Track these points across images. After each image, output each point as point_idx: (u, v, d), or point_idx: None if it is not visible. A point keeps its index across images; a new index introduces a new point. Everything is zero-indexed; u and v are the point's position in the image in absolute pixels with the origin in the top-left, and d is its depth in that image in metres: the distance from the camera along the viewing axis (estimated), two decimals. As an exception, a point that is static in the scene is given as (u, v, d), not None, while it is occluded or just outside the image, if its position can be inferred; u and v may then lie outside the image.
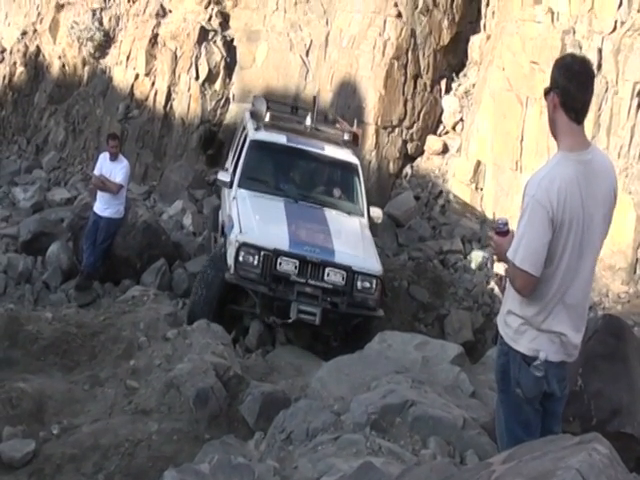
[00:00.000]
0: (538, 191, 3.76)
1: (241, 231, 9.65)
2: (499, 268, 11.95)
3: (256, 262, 9.43)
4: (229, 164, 12.03)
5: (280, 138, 11.27)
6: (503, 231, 4.04)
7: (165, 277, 11.74)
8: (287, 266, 9.45)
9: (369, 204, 11.23)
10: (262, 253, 9.44)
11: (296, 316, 9.40)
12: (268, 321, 9.69)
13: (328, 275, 9.50)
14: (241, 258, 9.44)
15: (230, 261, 9.55)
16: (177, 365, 7.41)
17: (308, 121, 11.73)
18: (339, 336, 9.84)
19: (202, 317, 9.08)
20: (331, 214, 10.61)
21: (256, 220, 10.02)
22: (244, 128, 11.96)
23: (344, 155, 11.48)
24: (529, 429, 4.03)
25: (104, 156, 11.87)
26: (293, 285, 9.45)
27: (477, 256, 13.29)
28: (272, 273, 9.43)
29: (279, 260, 9.44)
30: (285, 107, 13.10)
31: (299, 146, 11.24)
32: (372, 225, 11.06)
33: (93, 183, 12.11)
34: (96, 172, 11.90)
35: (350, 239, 10.36)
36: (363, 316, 9.70)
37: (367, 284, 9.59)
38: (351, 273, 9.52)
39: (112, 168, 11.64)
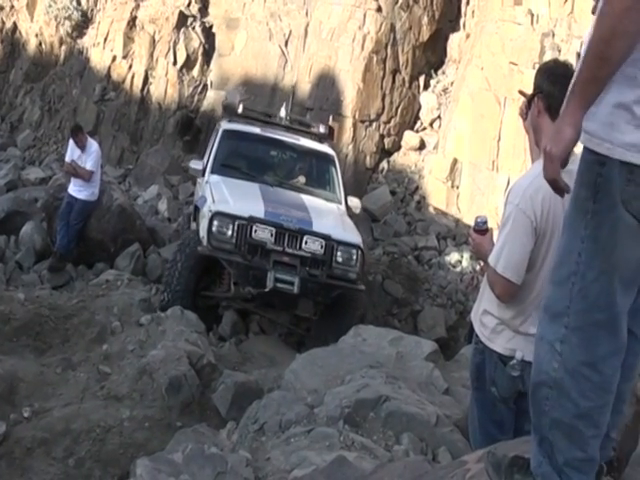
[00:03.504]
0: (522, 200, 3.76)
1: (214, 202, 9.32)
2: (475, 266, 12.01)
3: (230, 232, 9.00)
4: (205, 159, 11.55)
5: (254, 129, 11.05)
6: (482, 229, 4.04)
7: (139, 262, 11.60)
8: (263, 234, 9.03)
9: (347, 194, 10.99)
10: (237, 222, 9.02)
11: (273, 285, 8.94)
12: (243, 291, 9.22)
13: (306, 243, 9.10)
14: (214, 228, 9.01)
15: (203, 233, 9.16)
16: (150, 352, 7.40)
17: (282, 113, 11.59)
18: (319, 309, 9.56)
19: (177, 301, 8.94)
20: (308, 198, 10.27)
21: (230, 195, 9.65)
22: (217, 124, 11.67)
23: (319, 146, 11.30)
24: (503, 428, 4.05)
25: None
26: (269, 254, 9.03)
27: (453, 257, 13.32)
28: (247, 242, 9.01)
29: (254, 228, 9.02)
30: (258, 114, 12.31)
31: (274, 136, 11.00)
32: (350, 215, 10.75)
33: (65, 170, 12.02)
34: (67, 159, 11.76)
35: (329, 217, 10.01)
36: (344, 288, 9.36)
37: (347, 255, 9.26)
38: (330, 242, 9.17)
39: (83, 154, 11.56)
